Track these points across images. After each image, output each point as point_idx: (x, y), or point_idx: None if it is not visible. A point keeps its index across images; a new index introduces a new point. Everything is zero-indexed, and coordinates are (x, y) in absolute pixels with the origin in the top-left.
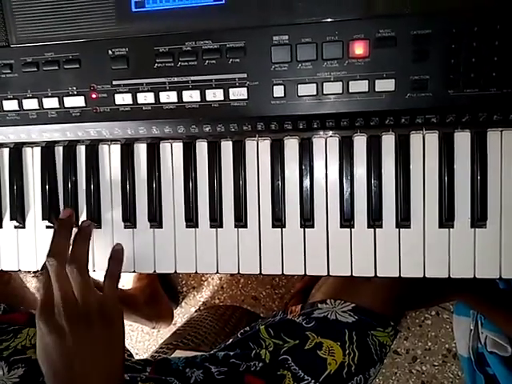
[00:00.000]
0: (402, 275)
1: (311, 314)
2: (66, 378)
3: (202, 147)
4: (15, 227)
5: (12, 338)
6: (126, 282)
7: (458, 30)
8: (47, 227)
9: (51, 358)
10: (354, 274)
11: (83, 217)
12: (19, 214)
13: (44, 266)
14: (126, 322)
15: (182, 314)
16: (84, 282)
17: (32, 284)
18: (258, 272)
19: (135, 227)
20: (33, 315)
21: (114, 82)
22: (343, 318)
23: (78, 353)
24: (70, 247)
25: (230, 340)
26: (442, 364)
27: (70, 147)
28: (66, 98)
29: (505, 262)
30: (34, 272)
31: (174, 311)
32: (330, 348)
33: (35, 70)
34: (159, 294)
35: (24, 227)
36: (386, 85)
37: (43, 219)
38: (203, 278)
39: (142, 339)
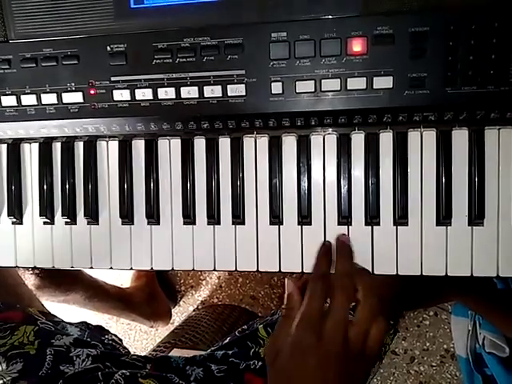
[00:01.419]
0: (399, 273)
1: None
2: None
3: (199, 144)
4: (13, 223)
5: (9, 335)
6: (125, 280)
7: (456, 28)
8: (45, 223)
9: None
10: None
11: (81, 213)
12: (17, 210)
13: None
14: (123, 320)
15: (180, 312)
16: (374, 310)
17: (30, 281)
18: (255, 269)
19: (133, 224)
20: (29, 314)
21: (113, 78)
22: None
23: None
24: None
25: (228, 339)
26: (440, 364)
27: (68, 143)
28: (64, 94)
29: (502, 260)
30: (31, 269)
31: (172, 310)
32: None
33: (34, 65)
34: (157, 292)
35: (21, 223)
36: (383, 82)
37: (41, 215)
38: (201, 277)
39: (140, 338)
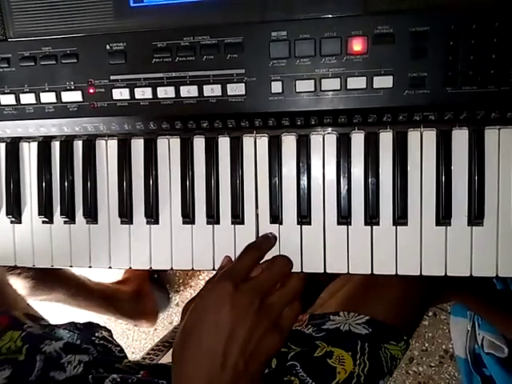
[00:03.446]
0: (398, 273)
1: (322, 325)
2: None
3: (199, 143)
4: (11, 222)
5: None
6: (117, 274)
7: (457, 27)
8: (43, 222)
9: (218, 317)
10: (350, 272)
11: (80, 212)
12: (15, 209)
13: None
14: (118, 320)
15: (179, 312)
16: (296, 293)
17: (18, 283)
18: None
19: (132, 223)
20: (15, 318)
21: (112, 77)
22: (357, 330)
23: (242, 332)
24: None
25: None
26: (439, 365)
27: (67, 142)
28: (63, 93)
29: (501, 260)
30: (12, 268)
31: (171, 310)
32: (340, 357)
33: (33, 64)
34: (145, 291)
35: (20, 222)
36: (384, 81)
37: (39, 215)
38: (200, 277)
39: (139, 338)
